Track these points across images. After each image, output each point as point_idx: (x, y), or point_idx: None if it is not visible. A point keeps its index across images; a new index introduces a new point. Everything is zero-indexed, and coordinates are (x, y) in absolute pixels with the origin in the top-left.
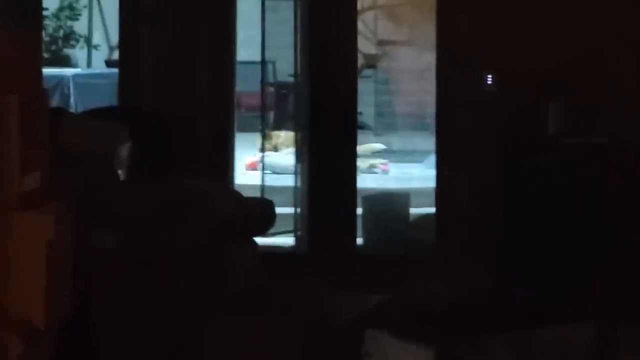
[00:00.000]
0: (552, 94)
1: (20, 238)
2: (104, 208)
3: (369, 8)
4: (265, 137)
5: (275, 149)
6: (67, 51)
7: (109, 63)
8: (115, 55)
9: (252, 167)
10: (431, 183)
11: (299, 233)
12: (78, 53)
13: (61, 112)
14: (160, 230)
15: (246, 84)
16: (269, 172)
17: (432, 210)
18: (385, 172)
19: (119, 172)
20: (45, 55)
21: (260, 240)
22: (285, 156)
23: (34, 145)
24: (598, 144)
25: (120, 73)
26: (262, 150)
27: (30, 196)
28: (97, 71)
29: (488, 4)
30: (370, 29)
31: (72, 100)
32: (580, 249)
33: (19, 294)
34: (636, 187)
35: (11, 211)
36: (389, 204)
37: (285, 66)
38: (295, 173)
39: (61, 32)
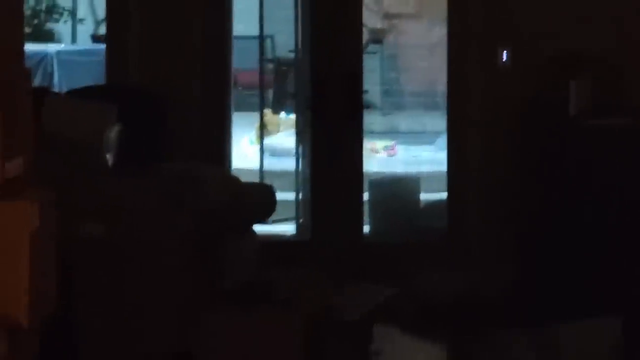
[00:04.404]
0: (574, 70)
1: (2, 228)
2: (90, 196)
3: None
4: (263, 119)
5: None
6: (50, 25)
7: (96, 38)
8: (102, 30)
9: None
10: (442, 166)
11: (300, 220)
12: (62, 27)
13: (45, 92)
14: (150, 220)
15: (243, 60)
16: (268, 154)
17: (444, 195)
18: (392, 154)
19: (107, 156)
20: (27, 29)
21: (259, 228)
22: (286, 138)
23: (16, 129)
24: (624, 126)
25: (108, 49)
26: (261, 132)
27: (12, 183)
28: (83, 47)
29: None
30: (377, 1)
31: (55, 78)
32: (605, 238)
33: (0, 289)
34: None
35: None
36: (398, 189)
37: (285, 41)
38: (297, 156)
39: (43, 5)
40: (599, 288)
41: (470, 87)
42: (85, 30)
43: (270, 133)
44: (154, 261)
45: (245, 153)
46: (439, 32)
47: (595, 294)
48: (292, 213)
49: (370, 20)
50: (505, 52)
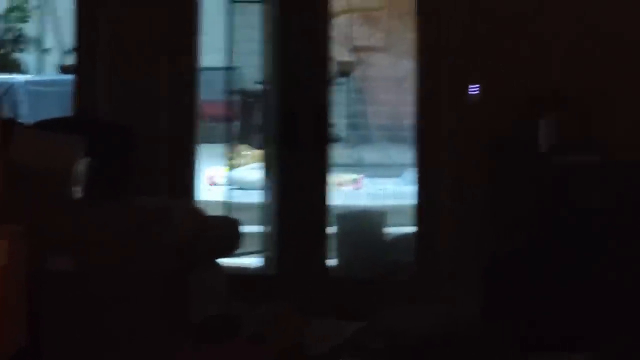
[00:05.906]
0: (543, 106)
1: None
2: (59, 229)
3: (343, 12)
4: (230, 151)
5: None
6: (16, 55)
7: (63, 69)
8: (69, 61)
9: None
10: (408, 200)
11: (267, 254)
12: (28, 58)
13: (12, 124)
14: (117, 254)
15: (210, 92)
16: (234, 187)
17: (411, 229)
18: (358, 188)
19: (75, 189)
20: None
21: (225, 261)
22: (251, 170)
23: None
24: (591, 163)
25: (76, 80)
26: (228, 164)
27: None
28: (50, 78)
29: (472, 6)
30: (344, 34)
31: (22, 109)
32: (574, 274)
33: None
34: (631, 209)
35: None
36: (364, 223)
37: (252, 73)
38: (263, 189)
39: (10, 35)
40: (571, 323)
41: (439, 120)
42: (51, 61)
43: (236, 165)
44: (123, 295)
45: (210, 185)
46: (407, 66)
47: (566, 329)
48: (259, 246)
49: (338, 53)
50: (474, 87)
